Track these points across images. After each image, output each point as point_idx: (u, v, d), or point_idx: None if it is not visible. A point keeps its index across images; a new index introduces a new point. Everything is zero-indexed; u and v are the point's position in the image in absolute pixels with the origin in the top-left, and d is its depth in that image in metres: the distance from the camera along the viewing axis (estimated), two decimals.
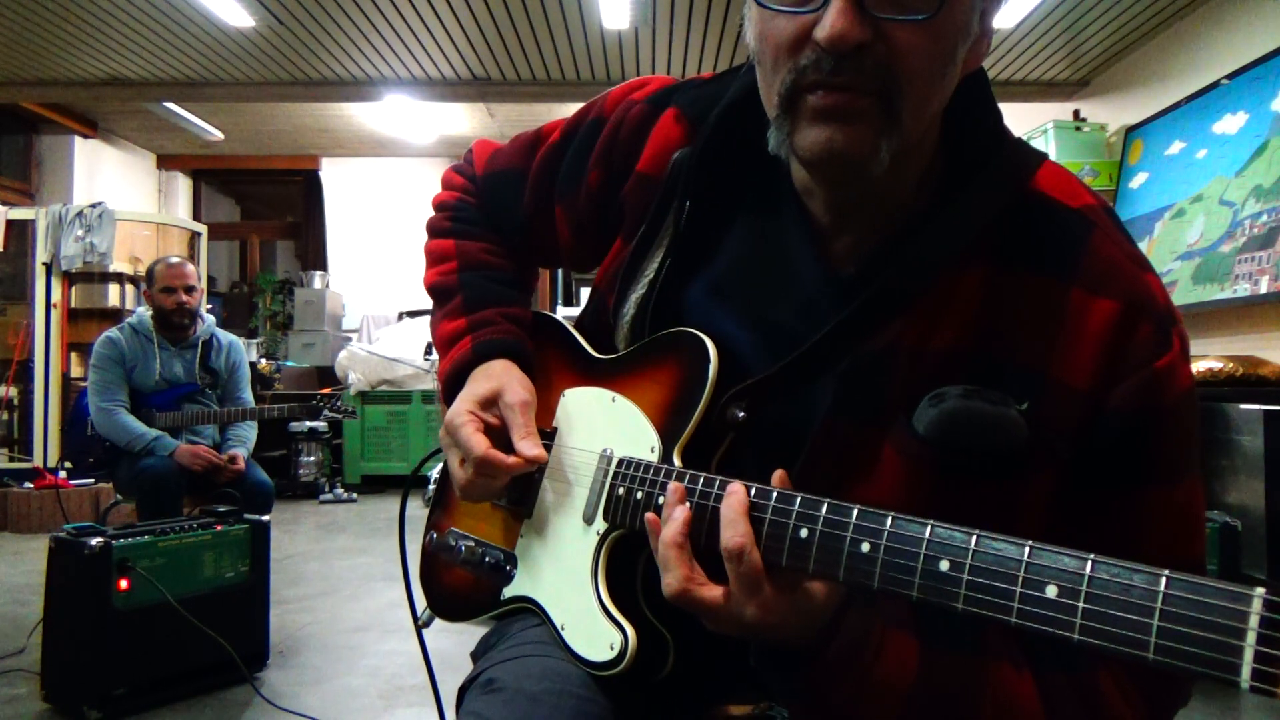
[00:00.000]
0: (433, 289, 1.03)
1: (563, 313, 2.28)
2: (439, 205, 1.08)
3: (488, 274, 1.01)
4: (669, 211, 0.84)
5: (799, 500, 0.65)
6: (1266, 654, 0.44)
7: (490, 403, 0.88)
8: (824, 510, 0.63)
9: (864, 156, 0.66)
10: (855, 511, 0.62)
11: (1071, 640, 0.51)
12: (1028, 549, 0.54)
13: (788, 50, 0.66)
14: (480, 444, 0.84)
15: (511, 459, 0.84)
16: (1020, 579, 0.54)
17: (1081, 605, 0.51)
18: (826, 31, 0.62)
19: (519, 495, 0.92)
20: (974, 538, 0.56)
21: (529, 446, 0.84)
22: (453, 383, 0.94)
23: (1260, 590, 0.45)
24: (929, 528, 0.58)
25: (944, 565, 0.57)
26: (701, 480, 0.72)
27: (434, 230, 1.07)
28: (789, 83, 0.66)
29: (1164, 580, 0.49)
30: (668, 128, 0.87)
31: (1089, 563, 0.51)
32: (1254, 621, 0.45)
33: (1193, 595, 0.47)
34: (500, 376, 0.90)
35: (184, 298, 3.34)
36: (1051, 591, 0.52)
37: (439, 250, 1.04)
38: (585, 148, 0.94)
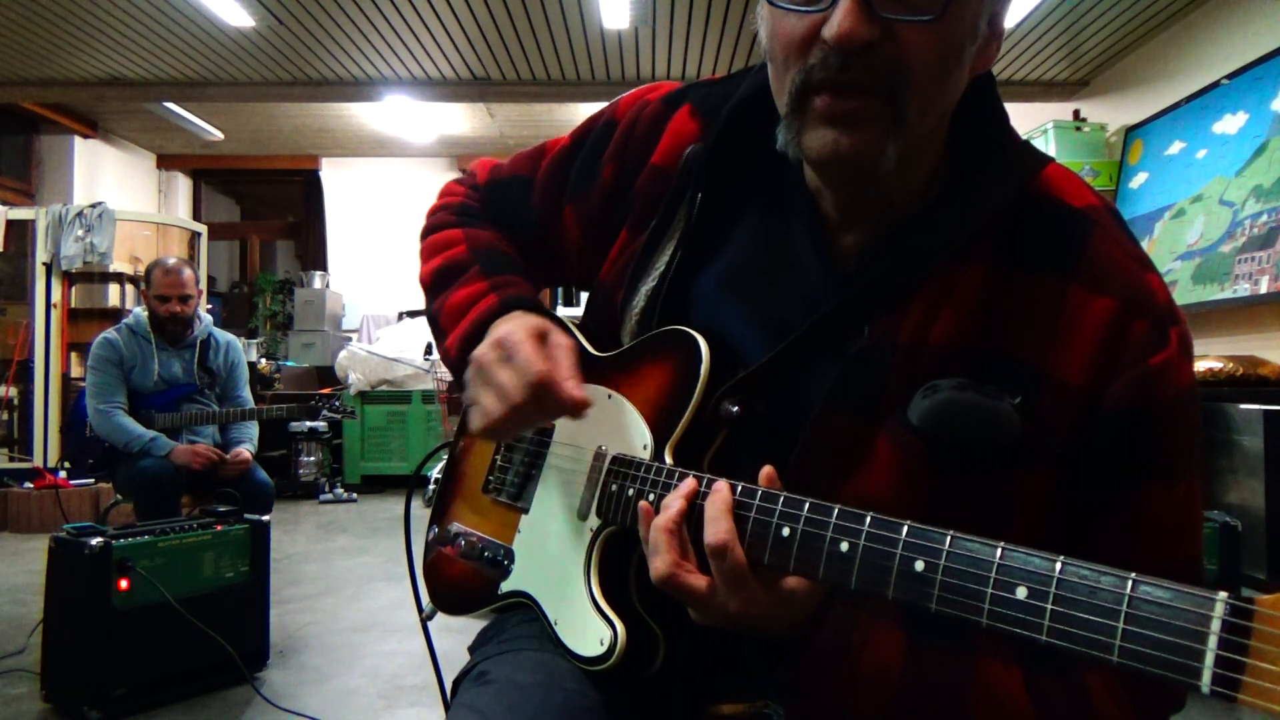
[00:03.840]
0: (437, 272, 0.97)
1: (563, 313, 2.29)
2: (438, 208, 1.06)
3: (502, 254, 0.98)
4: (681, 204, 0.84)
5: (782, 499, 0.66)
6: (1227, 658, 0.44)
7: (543, 335, 0.82)
8: (806, 509, 0.64)
9: (869, 159, 0.67)
10: (835, 511, 0.62)
11: (1039, 641, 0.51)
12: (999, 550, 0.54)
13: (797, 49, 0.67)
14: (540, 361, 0.78)
15: (568, 388, 0.77)
16: (991, 580, 0.54)
17: (1050, 607, 0.51)
18: (834, 30, 0.63)
19: (517, 490, 0.92)
20: (948, 538, 0.57)
21: (576, 387, 0.78)
22: (473, 338, 0.87)
23: (1223, 595, 0.45)
24: (905, 528, 0.59)
25: (919, 565, 0.57)
26: (689, 478, 0.72)
27: (434, 226, 1.03)
28: (798, 82, 0.67)
29: (1130, 583, 0.49)
30: (682, 123, 0.88)
31: (1058, 564, 0.52)
32: (1215, 625, 0.45)
33: (1157, 599, 0.47)
34: (543, 320, 0.85)
35: (178, 308, 3.33)
36: (1021, 593, 0.52)
37: (443, 239, 1.00)
38: (598, 148, 0.94)
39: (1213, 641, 0.45)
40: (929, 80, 0.66)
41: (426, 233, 1.04)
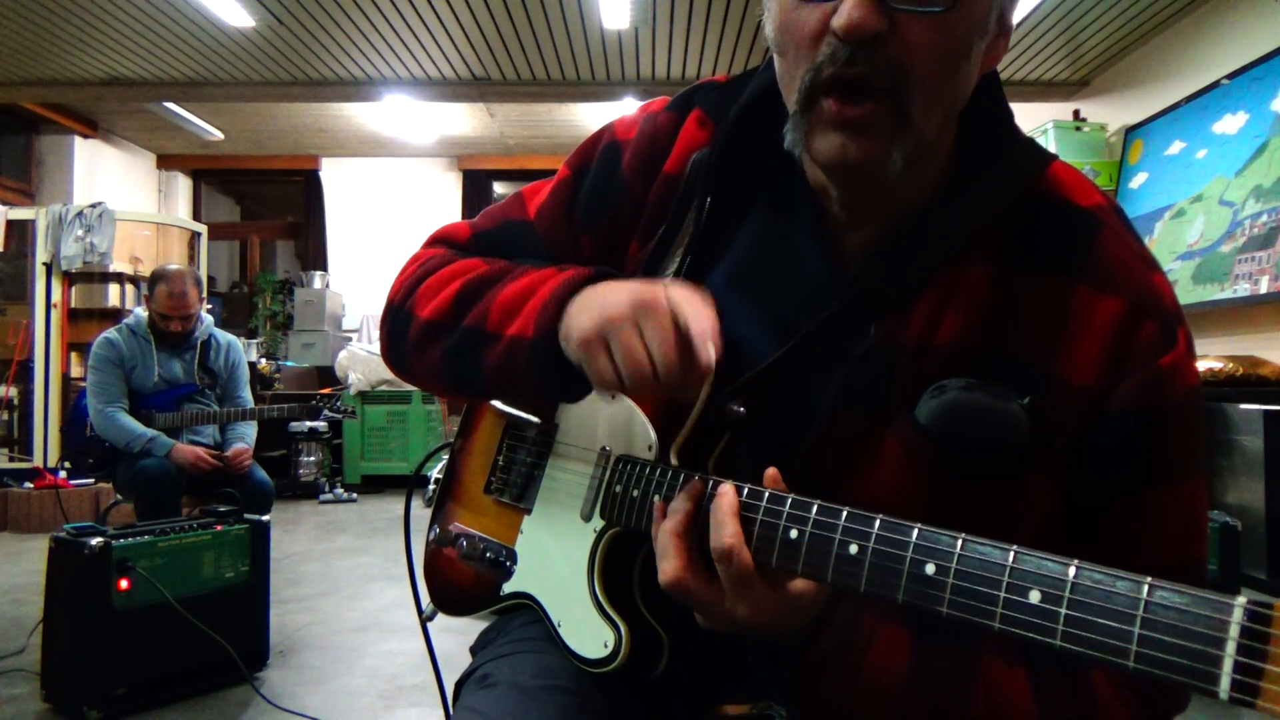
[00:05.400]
0: (461, 292, 0.84)
1: None
2: (420, 260, 0.94)
3: (536, 261, 0.87)
4: (689, 210, 0.83)
5: (789, 501, 0.65)
6: (1245, 664, 0.43)
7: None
8: (814, 512, 0.63)
9: (877, 164, 0.67)
10: (844, 514, 0.62)
11: (1054, 646, 0.51)
12: (1012, 554, 0.53)
13: (807, 42, 0.67)
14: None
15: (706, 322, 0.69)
16: (1004, 584, 0.53)
17: (1064, 611, 0.50)
18: (844, 20, 0.63)
19: (520, 491, 0.92)
20: (960, 541, 0.56)
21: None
22: (568, 296, 0.75)
23: (1241, 600, 0.44)
24: (915, 530, 0.58)
25: (929, 569, 0.56)
26: (695, 479, 0.72)
27: (426, 271, 0.91)
28: (808, 81, 0.67)
29: (1146, 588, 0.48)
30: (692, 130, 0.87)
31: (1072, 568, 0.51)
32: (1234, 631, 0.44)
33: (1174, 604, 0.47)
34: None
35: (177, 327, 3.33)
36: (1035, 597, 0.52)
37: (449, 271, 0.88)
38: (608, 170, 0.90)
39: (1231, 647, 0.44)
40: (935, 77, 0.66)
41: (418, 280, 0.90)
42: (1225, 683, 0.44)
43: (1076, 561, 0.51)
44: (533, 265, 0.84)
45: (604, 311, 0.70)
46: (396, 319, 0.90)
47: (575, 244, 0.92)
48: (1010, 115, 0.77)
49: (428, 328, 0.85)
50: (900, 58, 0.64)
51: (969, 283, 0.71)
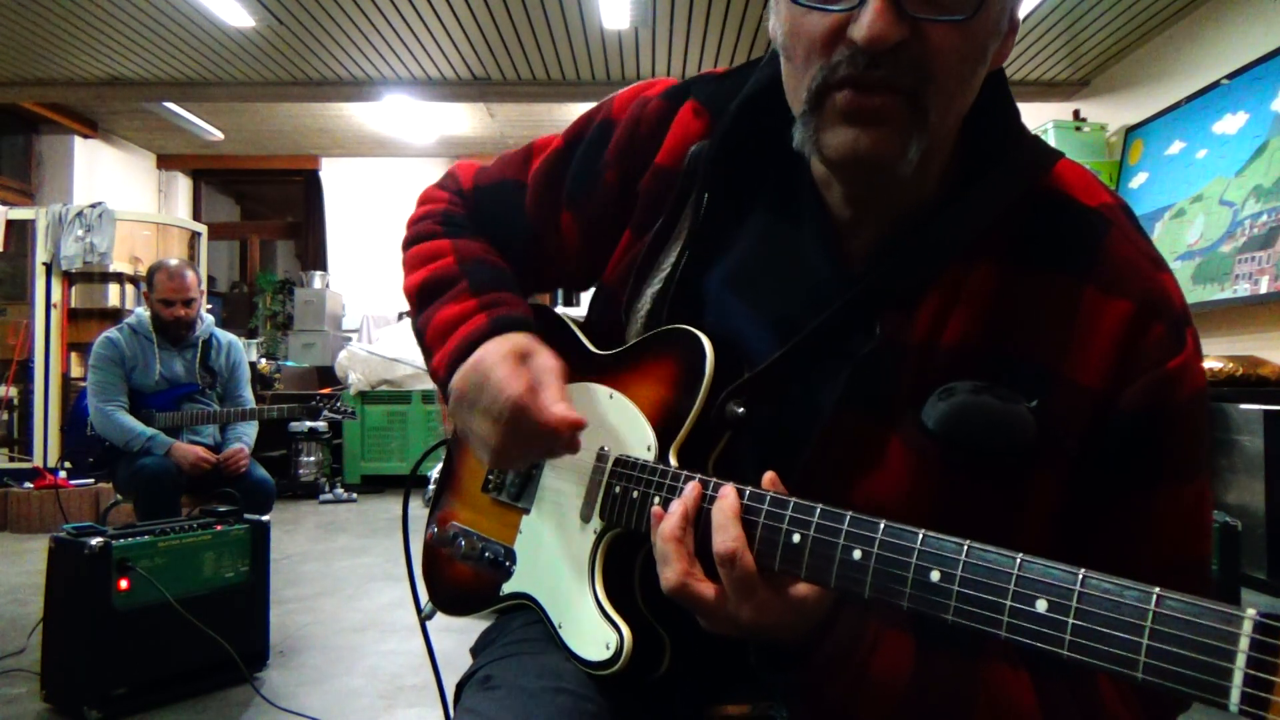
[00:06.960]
0: (423, 285, 0.92)
1: (561, 313, 2.24)
2: (420, 216, 1.00)
3: (492, 268, 0.93)
4: (686, 204, 0.83)
5: (792, 505, 0.65)
6: (1256, 677, 0.43)
7: (524, 357, 0.80)
8: (817, 515, 0.63)
9: (891, 158, 0.66)
10: (848, 518, 0.61)
11: (1060, 656, 0.50)
12: (1019, 561, 0.53)
13: (820, 48, 0.65)
14: (518, 385, 0.76)
15: (551, 411, 0.75)
16: (1010, 592, 0.52)
17: (1071, 621, 0.50)
18: (865, 32, 0.62)
19: (518, 490, 0.92)
20: (965, 548, 0.55)
21: (565, 409, 0.76)
22: (460, 359, 0.83)
23: (1251, 611, 0.44)
24: (920, 536, 0.57)
25: (935, 575, 0.56)
26: (695, 481, 0.72)
27: (418, 236, 0.98)
28: (819, 80, 0.66)
29: (1155, 598, 0.47)
30: (687, 120, 0.86)
31: (1080, 577, 0.50)
32: (1244, 644, 0.44)
33: (1183, 614, 0.46)
34: (528, 342, 0.82)
35: (181, 311, 3.33)
36: (1041, 605, 0.51)
37: (428, 250, 0.95)
38: (596, 149, 0.91)
39: (1241, 660, 0.43)
40: (954, 80, 0.65)
41: (409, 243, 0.99)
42: (1235, 695, 0.43)
43: (1084, 570, 0.51)
44: (474, 281, 0.90)
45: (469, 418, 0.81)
46: (402, 257, 0.99)
47: (557, 219, 0.94)
48: (1016, 113, 0.76)
49: (407, 296, 0.96)
50: (923, 59, 0.63)
51: (975, 282, 0.71)
